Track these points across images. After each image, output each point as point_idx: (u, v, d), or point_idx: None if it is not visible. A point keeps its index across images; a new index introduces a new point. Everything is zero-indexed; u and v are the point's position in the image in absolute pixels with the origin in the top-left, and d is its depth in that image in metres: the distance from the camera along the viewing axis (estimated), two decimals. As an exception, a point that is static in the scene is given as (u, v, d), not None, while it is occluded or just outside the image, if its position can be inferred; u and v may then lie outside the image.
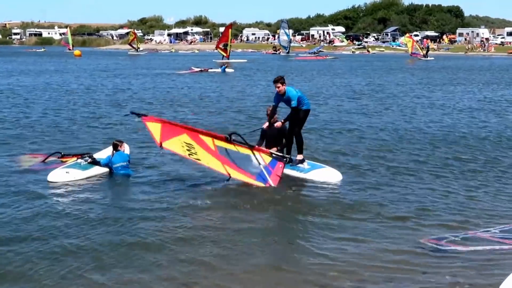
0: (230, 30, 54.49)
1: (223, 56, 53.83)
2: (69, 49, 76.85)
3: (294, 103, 10.92)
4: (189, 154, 10.38)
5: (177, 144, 10.33)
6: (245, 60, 54.30)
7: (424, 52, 64.73)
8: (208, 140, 10.56)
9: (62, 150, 12.17)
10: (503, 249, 7.21)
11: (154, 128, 10.27)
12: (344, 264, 6.81)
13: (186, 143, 10.36)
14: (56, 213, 8.56)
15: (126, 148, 11.93)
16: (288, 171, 10.93)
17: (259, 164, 10.55)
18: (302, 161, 11.15)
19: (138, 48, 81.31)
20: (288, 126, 11.32)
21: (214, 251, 7.14)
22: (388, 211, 8.77)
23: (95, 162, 10.85)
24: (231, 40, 54.93)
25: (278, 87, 11.00)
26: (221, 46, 54.55)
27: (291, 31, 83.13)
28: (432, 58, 62.07)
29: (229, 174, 10.42)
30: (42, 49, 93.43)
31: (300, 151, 11.32)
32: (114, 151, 10.88)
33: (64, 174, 10.42)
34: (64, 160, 11.43)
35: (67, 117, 18.26)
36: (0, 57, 62.45)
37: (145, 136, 14.75)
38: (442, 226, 8.13)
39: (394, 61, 59.60)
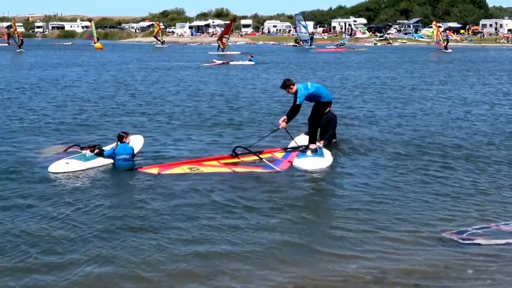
0: (232, 24, 58.90)
1: (219, 47, 55.70)
2: (95, 42, 76.84)
3: (298, 100, 11.45)
4: (190, 170, 10.53)
5: (177, 170, 10.53)
6: (239, 52, 55.14)
7: (445, 43, 63.75)
8: (212, 163, 10.95)
9: (87, 142, 12.31)
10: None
11: (152, 170, 10.54)
12: (364, 257, 6.78)
13: (188, 167, 10.65)
14: (45, 204, 8.65)
15: (139, 140, 12.09)
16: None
17: (266, 162, 10.92)
18: (314, 151, 11.36)
19: (164, 41, 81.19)
20: (309, 117, 12.03)
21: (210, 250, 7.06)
22: (408, 204, 8.72)
23: (100, 154, 10.92)
24: (231, 33, 57.76)
25: (288, 91, 11.63)
26: (213, 52, 56.11)
27: (311, 23, 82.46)
28: (451, 50, 61.22)
29: (234, 171, 10.56)
30: (70, 43, 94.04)
31: (312, 141, 11.71)
32: (119, 143, 10.86)
33: (64, 165, 10.50)
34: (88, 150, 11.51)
35: (96, 110, 18.39)
36: (32, 51, 62.75)
37: (157, 130, 14.93)
38: (463, 219, 8.06)
39: (417, 53, 59.07)
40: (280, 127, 11.79)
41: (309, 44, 73.03)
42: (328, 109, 12.36)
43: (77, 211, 8.33)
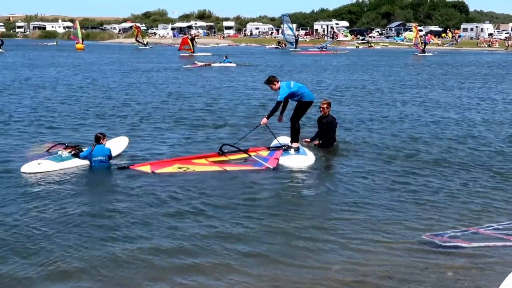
0: (188, 39, 58.03)
1: (189, 53, 56.16)
2: (77, 43, 75.45)
3: (279, 98, 11.74)
4: (184, 170, 10.60)
5: (169, 169, 10.60)
6: (210, 54, 55.83)
7: (423, 47, 63.49)
8: (201, 161, 11.15)
9: (72, 142, 12.21)
10: (505, 245, 7.14)
11: (144, 168, 10.62)
12: (344, 261, 6.74)
13: (178, 167, 10.74)
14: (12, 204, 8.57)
15: (123, 142, 12.00)
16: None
17: (256, 158, 11.30)
18: (297, 149, 11.79)
19: (147, 42, 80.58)
20: (291, 116, 12.19)
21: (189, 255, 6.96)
22: (388, 207, 8.70)
23: (76, 155, 10.83)
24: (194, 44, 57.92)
25: (271, 87, 11.99)
26: (185, 47, 56.69)
27: (294, 26, 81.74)
28: (431, 54, 61.33)
29: (225, 169, 10.72)
30: (55, 43, 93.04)
31: (293, 140, 12.05)
32: (96, 144, 10.75)
33: (36, 166, 10.38)
34: (67, 150, 11.38)
35: (77, 111, 18.21)
36: (13, 51, 61.75)
37: (140, 131, 14.83)
38: (443, 222, 8.06)
39: (396, 56, 59.35)
40: (261, 122, 12.11)
41: (294, 46, 70.64)
42: (327, 112, 12.66)
43: (44, 212, 8.23)
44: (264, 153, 11.85)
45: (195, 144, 13.09)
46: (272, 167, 10.86)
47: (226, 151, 11.53)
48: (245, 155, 11.53)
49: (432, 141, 13.68)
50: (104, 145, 10.84)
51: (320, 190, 9.67)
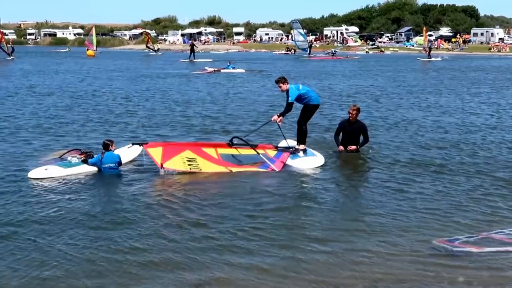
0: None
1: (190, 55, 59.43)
2: (88, 49, 75.60)
3: (290, 99, 11.85)
4: (190, 168, 10.80)
5: (179, 161, 10.79)
6: (211, 60, 57.44)
7: (428, 51, 62.33)
8: (211, 151, 11.39)
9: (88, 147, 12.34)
10: (517, 250, 7.10)
11: (155, 152, 10.72)
12: (355, 266, 6.72)
13: (188, 158, 10.91)
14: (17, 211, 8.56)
15: (138, 149, 11.94)
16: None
17: (263, 158, 11.46)
18: (304, 151, 12.04)
19: (158, 49, 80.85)
20: (298, 119, 12.39)
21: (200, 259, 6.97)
22: (399, 212, 8.67)
23: (85, 161, 10.86)
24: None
25: (280, 87, 12.11)
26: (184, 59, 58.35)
27: (304, 31, 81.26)
28: (440, 59, 60.78)
29: (231, 171, 10.98)
30: (67, 49, 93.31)
31: (300, 142, 12.25)
32: (104, 151, 10.78)
33: (42, 172, 10.44)
34: (82, 156, 11.40)
35: (93, 117, 18.39)
36: (24, 58, 62.06)
37: (151, 137, 14.84)
38: (454, 227, 8.02)
39: (406, 61, 59.21)
40: (272, 119, 12.33)
41: (307, 52, 69.17)
42: (356, 118, 12.55)
43: (44, 218, 8.27)
44: (272, 152, 11.99)
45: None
46: (277, 170, 11.10)
47: (235, 142, 11.81)
48: (253, 152, 11.67)
49: (437, 147, 13.59)
50: (113, 151, 10.86)
51: (325, 199, 9.51)
